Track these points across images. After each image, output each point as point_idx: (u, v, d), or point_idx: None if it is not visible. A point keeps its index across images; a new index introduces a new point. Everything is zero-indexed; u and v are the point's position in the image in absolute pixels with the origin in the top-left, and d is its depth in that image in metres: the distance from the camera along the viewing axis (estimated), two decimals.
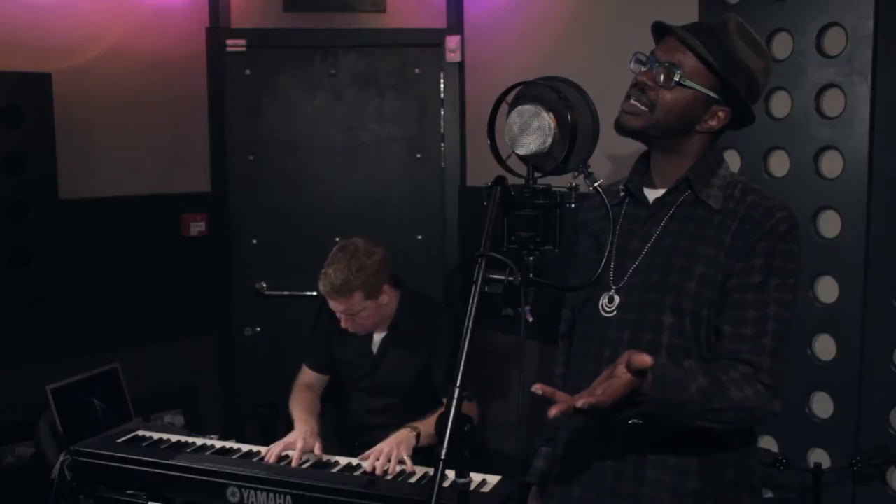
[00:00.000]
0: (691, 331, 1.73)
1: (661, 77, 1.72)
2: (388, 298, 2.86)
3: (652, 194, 1.84)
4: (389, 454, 2.49)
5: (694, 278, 1.72)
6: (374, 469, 2.44)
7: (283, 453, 2.58)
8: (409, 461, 2.51)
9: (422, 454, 2.60)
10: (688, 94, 1.73)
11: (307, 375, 3.06)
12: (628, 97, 1.77)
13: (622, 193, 1.88)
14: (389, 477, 2.45)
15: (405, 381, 2.94)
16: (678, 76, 1.71)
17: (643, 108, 1.74)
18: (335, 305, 2.80)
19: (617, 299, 1.78)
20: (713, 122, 1.77)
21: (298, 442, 2.61)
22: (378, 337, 2.96)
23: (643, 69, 1.76)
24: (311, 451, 2.61)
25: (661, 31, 1.80)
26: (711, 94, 1.74)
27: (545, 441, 2.07)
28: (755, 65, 1.76)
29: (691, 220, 1.77)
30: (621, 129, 1.78)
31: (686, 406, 1.57)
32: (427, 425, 2.65)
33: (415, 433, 2.62)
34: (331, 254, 2.81)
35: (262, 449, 2.67)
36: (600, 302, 1.81)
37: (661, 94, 1.73)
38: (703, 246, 1.73)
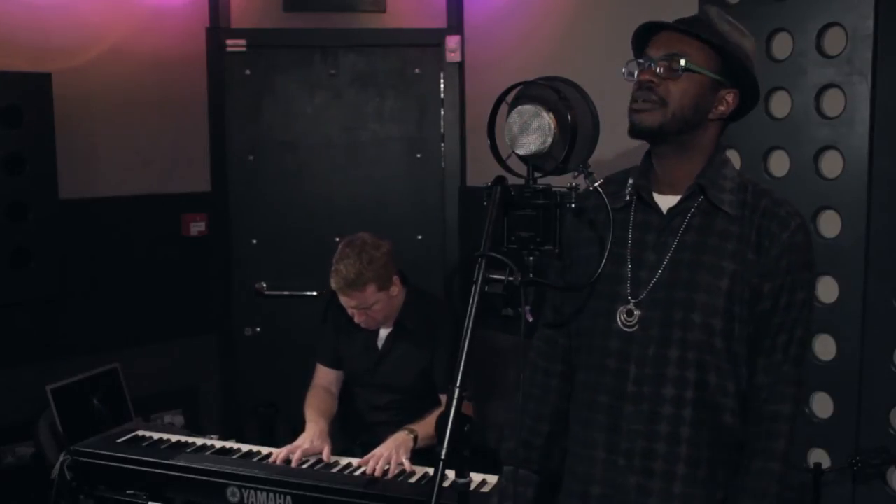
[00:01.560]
0: (723, 347, 1.70)
1: (666, 69, 1.68)
2: (398, 290, 2.88)
3: (664, 202, 1.78)
4: (388, 458, 2.50)
5: (722, 295, 1.69)
6: (373, 473, 2.45)
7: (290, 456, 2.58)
8: (407, 462, 2.51)
9: (421, 454, 2.60)
10: (695, 79, 1.69)
11: (321, 373, 3.06)
12: (635, 100, 1.72)
13: (628, 197, 1.82)
14: (391, 475, 2.46)
15: (409, 378, 2.94)
16: (684, 62, 1.67)
17: (655, 105, 1.69)
18: (347, 301, 2.80)
19: (637, 314, 1.74)
20: (723, 108, 1.73)
21: (304, 444, 2.61)
22: (384, 333, 2.97)
23: (644, 70, 1.71)
24: (319, 454, 2.61)
25: (645, 33, 1.76)
26: (717, 77, 1.70)
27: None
28: (747, 44, 1.74)
29: (711, 232, 1.73)
30: (638, 130, 1.72)
31: None
32: (424, 427, 2.65)
33: (412, 436, 2.63)
34: (338, 250, 2.81)
35: (263, 449, 2.67)
36: (618, 315, 1.76)
37: (669, 87, 1.68)
38: (728, 261, 1.70)
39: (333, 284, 2.78)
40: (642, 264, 1.77)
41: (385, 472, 2.46)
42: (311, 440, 2.64)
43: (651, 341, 1.73)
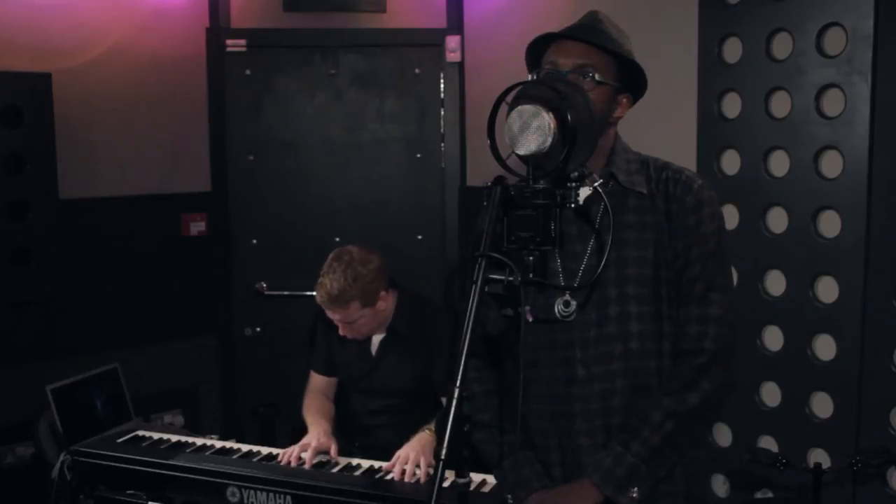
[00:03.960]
0: (656, 313, 1.79)
1: (576, 80, 1.74)
2: (386, 304, 2.82)
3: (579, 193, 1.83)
4: (416, 460, 2.46)
5: (649, 264, 1.79)
6: (402, 477, 2.43)
7: (301, 454, 2.57)
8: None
9: None
10: (603, 90, 1.76)
11: (316, 380, 3.04)
12: None
13: None
14: (423, 481, 2.41)
15: (404, 382, 2.92)
16: (597, 76, 1.74)
17: None
18: (332, 315, 2.76)
19: (573, 302, 1.80)
20: (620, 113, 1.82)
21: (313, 442, 2.61)
22: (377, 339, 2.93)
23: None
24: (327, 452, 2.60)
25: (542, 42, 1.83)
26: (618, 85, 1.78)
27: None
28: (629, 45, 1.81)
29: (627, 210, 1.81)
30: None
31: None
32: None
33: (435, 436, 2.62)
34: (326, 263, 2.76)
35: (263, 449, 2.67)
36: (556, 307, 1.82)
37: None
38: (648, 232, 1.79)
39: (318, 298, 2.73)
40: (569, 255, 1.83)
41: (415, 474, 2.43)
42: (318, 438, 2.63)
43: (591, 324, 1.80)
